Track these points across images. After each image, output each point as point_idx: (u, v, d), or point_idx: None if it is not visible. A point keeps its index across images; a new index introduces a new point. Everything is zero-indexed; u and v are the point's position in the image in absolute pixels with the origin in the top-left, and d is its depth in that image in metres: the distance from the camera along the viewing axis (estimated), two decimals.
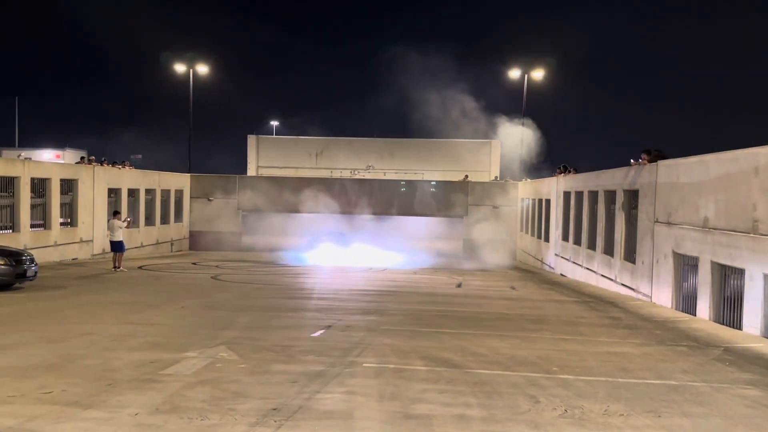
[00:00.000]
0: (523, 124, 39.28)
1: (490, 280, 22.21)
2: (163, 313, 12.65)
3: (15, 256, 15.40)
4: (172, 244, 33.34)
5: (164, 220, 32.71)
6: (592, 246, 21.43)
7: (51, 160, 39.52)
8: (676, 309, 14.53)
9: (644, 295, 16.37)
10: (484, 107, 42.61)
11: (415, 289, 18.70)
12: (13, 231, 21.32)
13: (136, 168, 31.66)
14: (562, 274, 24.73)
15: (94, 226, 26.07)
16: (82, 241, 25.35)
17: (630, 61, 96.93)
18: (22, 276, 15.35)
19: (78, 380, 7.42)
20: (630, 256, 17.84)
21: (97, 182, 26.32)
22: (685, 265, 14.36)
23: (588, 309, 14.95)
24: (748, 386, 7.96)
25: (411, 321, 12.29)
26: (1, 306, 12.87)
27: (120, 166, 29.11)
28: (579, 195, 23.23)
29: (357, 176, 41.13)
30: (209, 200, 35.28)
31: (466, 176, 38.92)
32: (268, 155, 46.50)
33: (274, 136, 53.52)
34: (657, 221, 15.81)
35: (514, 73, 39.47)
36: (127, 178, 28.97)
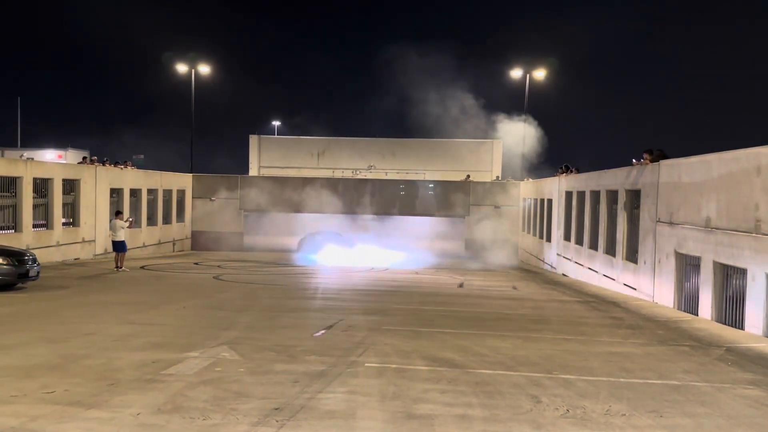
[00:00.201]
0: (525, 120, 39.27)
1: (491, 280, 22.21)
2: (164, 313, 12.66)
3: (17, 256, 15.43)
4: (174, 244, 33.37)
5: (166, 220, 32.74)
6: (594, 246, 21.41)
7: (53, 160, 39.58)
8: (678, 309, 14.51)
9: (646, 295, 16.36)
10: (485, 106, 42.65)
11: (417, 289, 18.70)
12: (15, 231, 21.36)
13: (138, 168, 31.69)
14: (564, 274, 24.71)
15: (96, 226, 26.10)
16: (84, 241, 25.38)
17: (631, 60, 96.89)
18: (24, 276, 15.37)
19: (80, 380, 7.43)
20: (632, 255, 17.82)
21: (99, 182, 26.35)
22: (687, 265, 14.34)
23: (590, 309, 14.94)
24: (750, 386, 7.95)
25: (413, 321, 12.29)
26: (3, 306, 12.89)
27: (122, 166, 29.14)
28: (581, 195, 23.21)
29: (359, 176, 41.15)
30: (211, 200, 35.30)
31: (468, 176, 38.91)
32: (270, 155, 46.55)
33: (275, 136, 53.58)
34: (659, 221, 15.79)
35: (516, 73, 39.47)
36: (129, 178, 29.00)
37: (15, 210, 21.51)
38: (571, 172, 25.98)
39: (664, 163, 15.97)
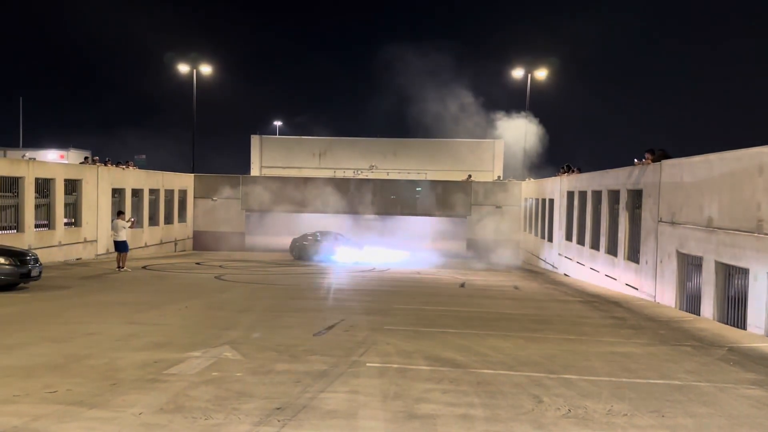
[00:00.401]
0: (526, 117, 39.27)
1: (493, 280, 22.20)
2: (166, 313, 12.67)
3: (19, 256, 15.45)
4: (175, 244, 33.40)
5: (168, 220, 32.78)
6: (595, 246, 21.40)
7: (55, 160, 39.64)
8: (680, 309, 14.50)
9: (648, 294, 16.35)
10: (487, 106, 42.65)
11: (419, 289, 18.70)
12: (17, 231, 21.39)
13: (139, 168, 31.73)
14: (565, 274, 24.70)
15: (98, 226, 26.13)
16: (86, 241, 25.41)
17: (633, 60, 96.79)
18: (26, 276, 15.39)
19: (82, 380, 7.44)
20: (634, 255, 17.81)
21: (101, 182, 26.38)
22: (689, 265, 14.33)
23: (592, 309, 14.93)
24: (753, 386, 7.94)
25: (414, 321, 12.29)
26: (5, 306, 12.91)
27: (124, 167, 29.17)
28: (582, 195, 23.20)
29: (360, 176, 41.17)
30: (213, 200, 35.34)
31: (469, 176, 38.92)
32: (272, 155, 46.60)
33: (277, 136, 53.63)
34: (661, 221, 15.78)
35: (518, 73, 39.47)
36: (131, 178, 29.02)
37: (17, 210, 21.54)
38: (573, 171, 25.97)
39: (665, 162, 15.96)
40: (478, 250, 33.56)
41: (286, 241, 33.08)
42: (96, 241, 26.09)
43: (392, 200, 35.33)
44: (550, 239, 27.95)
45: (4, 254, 15.12)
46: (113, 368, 8.01)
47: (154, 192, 31.19)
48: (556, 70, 41.08)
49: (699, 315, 13.42)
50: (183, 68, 39.48)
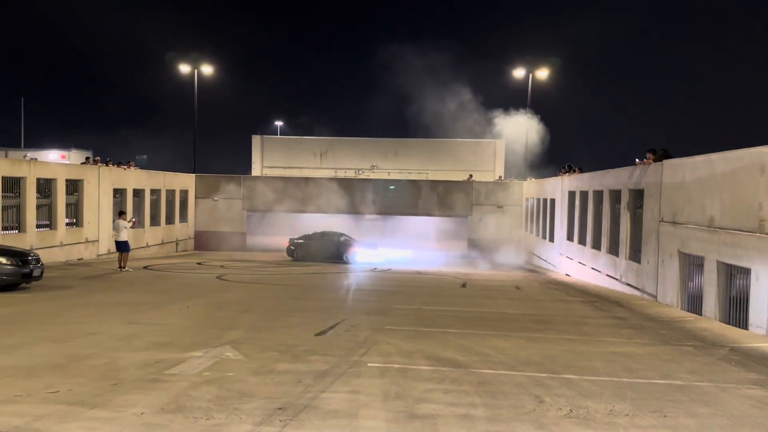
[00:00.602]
0: (528, 117, 39.27)
1: (494, 280, 22.19)
2: (168, 313, 12.68)
3: (21, 256, 15.47)
4: (177, 244, 33.42)
5: (169, 220, 32.80)
6: (597, 246, 21.39)
7: (56, 160, 39.69)
8: (681, 309, 14.49)
9: (649, 294, 16.34)
10: (488, 105, 42.66)
11: (420, 289, 18.70)
12: (19, 231, 21.41)
13: (141, 168, 31.75)
14: (566, 274, 24.69)
15: (100, 227, 26.15)
16: (87, 241, 25.43)
17: (634, 59, 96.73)
18: (28, 276, 15.41)
19: (84, 380, 7.45)
20: (635, 255, 17.79)
21: (102, 182, 26.40)
22: (691, 265, 14.32)
23: (593, 309, 14.92)
24: (754, 386, 7.93)
25: (415, 321, 12.29)
26: (7, 306, 12.92)
27: (125, 167, 29.19)
28: (584, 194, 23.19)
29: (361, 176, 41.17)
30: (214, 200, 35.36)
31: (470, 176, 38.92)
32: (273, 155, 46.59)
33: (278, 136, 53.64)
34: (662, 221, 15.77)
35: (519, 73, 39.48)
36: (132, 178, 29.04)
37: (19, 210, 21.56)
38: (574, 171, 25.95)
39: (667, 162, 15.94)
40: (480, 250, 33.56)
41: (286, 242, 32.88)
42: (97, 241, 26.11)
43: (394, 200, 35.31)
44: (552, 239, 27.94)
45: (5, 254, 15.14)
46: (114, 368, 8.02)
47: (155, 192, 31.20)
48: (557, 70, 41.09)
49: (700, 315, 13.40)
50: (184, 68, 39.52)
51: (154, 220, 31.22)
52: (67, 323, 11.14)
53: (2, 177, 20.68)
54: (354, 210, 35.05)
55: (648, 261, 16.62)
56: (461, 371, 8.24)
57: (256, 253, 32.39)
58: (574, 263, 24.11)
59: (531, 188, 34.00)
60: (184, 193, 34.48)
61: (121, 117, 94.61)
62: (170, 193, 32.83)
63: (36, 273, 15.65)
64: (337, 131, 51.09)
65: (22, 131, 53.30)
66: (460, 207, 35.33)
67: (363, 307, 13.90)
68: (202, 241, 35.17)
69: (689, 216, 14.29)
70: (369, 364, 8.48)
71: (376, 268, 25.68)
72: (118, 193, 27.90)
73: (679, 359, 9.38)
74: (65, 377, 7.54)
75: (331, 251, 29.32)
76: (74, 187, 24.84)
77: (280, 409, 6.52)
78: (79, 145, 48.04)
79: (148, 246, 29.86)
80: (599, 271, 20.87)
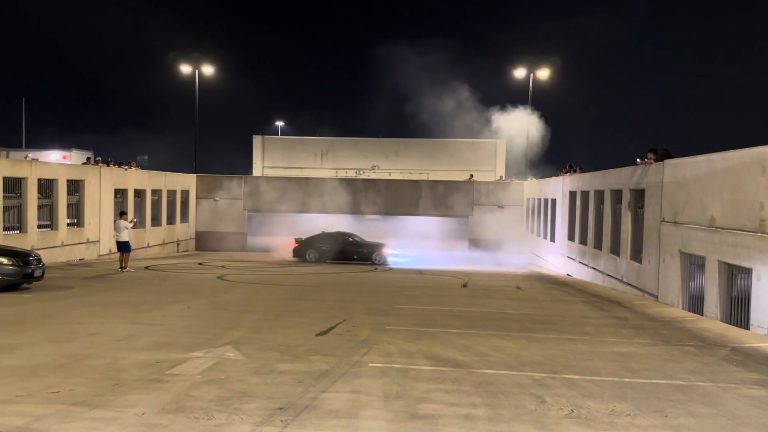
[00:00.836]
0: (529, 117, 39.29)
1: (495, 280, 22.18)
2: (169, 313, 12.68)
3: (22, 257, 15.48)
4: (178, 245, 33.43)
5: (170, 220, 32.81)
6: (598, 245, 21.38)
7: (58, 161, 39.74)
8: (682, 309, 14.48)
9: (651, 294, 16.33)
10: (489, 106, 42.67)
11: (420, 289, 18.69)
12: (20, 232, 21.43)
13: (142, 169, 31.77)
14: (567, 274, 24.68)
15: (101, 227, 26.17)
16: (88, 242, 25.45)
17: (635, 59, 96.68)
18: (29, 276, 15.42)
19: (85, 380, 7.45)
20: (636, 255, 17.78)
21: (103, 183, 26.41)
22: (692, 265, 14.31)
23: (594, 309, 14.91)
24: (756, 386, 7.93)
25: (416, 321, 12.29)
26: (8, 306, 12.94)
27: (126, 167, 29.21)
28: (585, 194, 23.18)
29: (362, 176, 41.19)
30: (215, 200, 35.38)
31: (471, 176, 38.92)
32: (274, 155, 46.60)
33: (279, 136, 53.65)
34: (663, 221, 15.76)
35: (520, 73, 39.49)
36: (133, 178, 29.06)
37: (20, 210, 21.58)
38: (575, 171, 25.94)
39: (668, 162, 15.93)
40: (481, 250, 33.56)
41: (286, 242, 32.79)
42: (98, 241, 26.12)
43: (395, 200, 35.31)
44: (553, 239, 27.93)
45: (7, 255, 15.15)
46: (115, 368, 8.02)
47: (156, 192, 31.22)
48: (558, 70, 41.12)
49: (702, 315, 13.39)
50: (185, 69, 39.56)
51: (155, 221, 31.24)
52: (68, 323, 11.15)
53: (3, 177, 20.70)
54: (355, 210, 35.05)
55: (649, 261, 16.61)
56: (462, 371, 8.24)
57: (257, 254, 32.21)
58: (575, 263, 24.10)
59: (532, 188, 33.98)
60: (185, 194, 34.50)
61: (122, 117, 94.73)
62: (171, 194, 32.85)
63: (37, 273, 15.66)
64: (338, 131, 51.13)
65: (24, 132, 53.37)
66: (461, 207, 35.33)
67: (364, 307, 13.90)
68: (203, 242, 35.19)
69: (690, 216, 14.28)
70: (370, 364, 8.48)
71: (376, 268, 25.67)
72: (119, 194, 27.92)
73: (680, 359, 9.37)
74: (66, 377, 7.54)
75: (362, 253, 28.64)
76: (75, 187, 24.86)
77: (281, 409, 6.53)
78: (80, 146, 48.15)
79: (149, 246, 29.88)
80: (600, 271, 20.86)
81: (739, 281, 12.25)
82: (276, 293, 16.99)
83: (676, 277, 14.89)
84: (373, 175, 41.66)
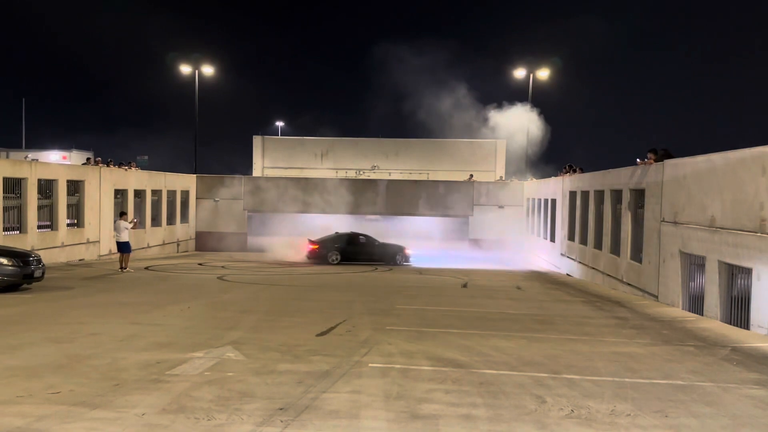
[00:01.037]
0: (528, 117, 39.28)
1: (495, 280, 22.18)
2: (169, 313, 12.68)
3: (22, 257, 15.48)
4: (178, 245, 33.42)
5: (170, 220, 32.81)
6: (598, 246, 21.38)
7: (58, 161, 39.75)
8: (683, 309, 14.48)
9: (651, 294, 16.32)
10: (489, 106, 42.68)
11: (421, 289, 18.69)
12: (20, 232, 21.43)
13: (142, 169, 31.77)
14: (568, 274, 24.67)
15: (101, 227, 26.17)
16: (88, 242, 25.45)
17: (635, 59, 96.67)
18: (29, 277, 15.42)
19: (85, 380, 7.45)
20: (636, 255, 17.78)
21: (103, 183, 26.41)
22: (692, 265, 14.31)
23: (594, 309, 14.91)
24: (756, 386, 7.93)
25: (417, 321, 12.28)
26: (9, 306, 12.93)
27: (126, 167, 29.21)
28: (585, 194, 23.18)
29: (362, 176, 41.19)
30: (215, 201, 35.37)
31: (471, 176, 38.92)
32: (274, 156, 46.60)
33: (279, 136, 53.65)
34: (663, 221, 15.76)
35: (520, 73, 39.52)
36: (133, 179, 29.06)
37: (20, 211, 21.58)
38: (575, 171, 25.95)
39: (668, 162, 15.93)
40: (481, 250, 33.56)
41: (287, 242, 32.57)
42: (98, 241, 26.12)
43: (395, 200, 35.30)
44: (553, 239, 27.92)
45: (7, 255, 15.15)
46: (116, 369, 8.02)
47: (156, 193, 31.21)
48: (558, 70, 41.14)
49: (702, 315, 13.39)
50: (185, 69, 39.56)
51: (155, 221, 31.23)
52: (68, 324, 11.15)
53: (3, 178, 20.71)
54: (355, 210, 35.05)
55: (649, 261, 16.61)
56: (463, 371, 8.24)
57: (257, 254, 32.05)
58: (575, 263, 24.09)
59: (532, 188, 33.98)
60: (185, 194, 34.49)
61: (122, 118, 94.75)
62: (171, 194, 32.84)
63: (37, 274, 15.66)
64: (338, 131, 51.13)
65: (23, 132, 53.37)
66: (461, 207, 35.33)
67: (364, 308, 13.90)
68: (203, 242, 35.18)
69: (690, 216, 14.28)
70: (370, 365, 8.48)
71: (376, 268, 25.66)
72: (119, 194, 27.92)
73: (680, 359, 9.37)
74: (67, 378, 7.54)
75: (385, 254, 28.42)
76: (75, 187, 24.86)
77: (281, 409, 6.53)
78: (80, 146, 48.18)
79: (149, 247, 29.87)
80: (600, 271, 20.86)
81: (739, 281, 12.25)
82: (276, 293, 16.98)
83: (676, 277, 14.89)
84: (373, 176, 41.65)
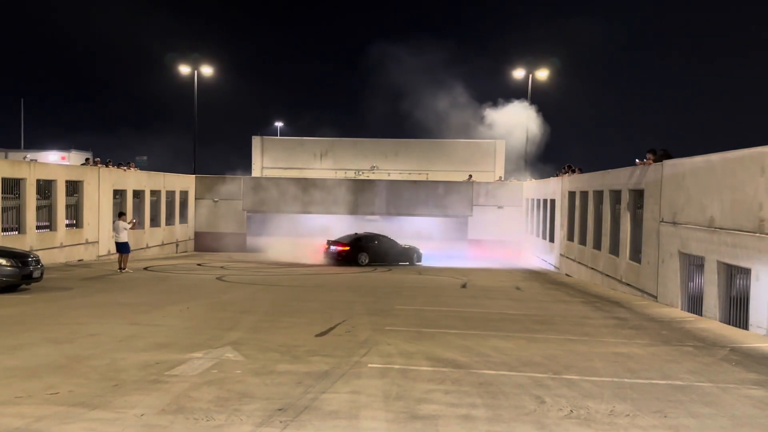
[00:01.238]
0: (527, 117, 39.30)
1: (495, 281, 22.18)
2: (168, 314, 12.68)
3: (21, 258, 15.46)
4: (177, 245, 33.41)
5: (169, 221, 32.79)
6: (597, 246, 21.38)
7: (56, 161, 39.72)
8: (682, 309, 14.48)
9: (650, 295, 16.33)
10: (488, 106, 42.70)
11: (420, 290, 18.70)
12: (19, 232, 21.41)
13: (141, 169, 31.75)
14: (567, 274, 24.68)
15: (100, 228, 26.15)
16: (87, 243, 25.43)
17: (634, 59, 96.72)
18: (28, 277, 15.41)
19: (84, 381, 7.45)
20: (635, 256, 17.79)
21: (102, 184, 26.40)
22: (691, 265, 14.32)
23: (593, 309, 14.92)
24: (755, 386, 7.93)
25: (416, 321, 12.29)
26: (7, 307, 12.92)
27: (125, 168, 29.19)
28: (584, 195, 23.19)
29: (361, 177, 41.18)
30: (214, 201, 35.35)
31: (470, 176, 38.92)
32: (273, 156, 46.59)
33: (278, 137, 53.63)
34: (662, 221, 15.77)
35: (519, 73, 39.54)
36: (132, 179, 29.04)
37: (19, 211, 21.56)
38: (574, 172, 25.96)
39: (667, 162, 15.94)
40: (480, 251, 33.56)
41: (286, 242, 32.54)
42: (97, 242, 26.11)
43: (395, 201, 35.29)
44: (552, 239, 27.93)
45: (5, 256, 15.14)
46: (115, 369, 8.02)
47: (155, 193, 31.20)
48: (557, 70, 41.17)
49: (701, 315, 13.40)
50: (184, 70, 39.54)
51: (154, 221, 31.21)
52: (67, 324, 11.14)
53: (2, 178, 20.69)
54: (355, 210, 35.05)
55: (648, 261, 16.62)
56: (462, 372, 8.24)
57: (260, 254, 32.01)
58: (574, 263, 24.10)
59: (531, 188, 33.99)
60: (184, 194, 34.48)
61: (121, 118, 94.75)
62: (170, 194, 32.83)
63: (36, 274, 15.64)
64: (337, 132, 51.15)
65: (22, 132, 53.33)
66: (460, 207, 35.34)
67: (363, 308, 13.90)
68: (202, 242, 35.16)
69: (689, 216, 14.29)
70: (370, 365, 8.48)
71: (375, 269, 25.66)
72: (118, 194, 27.90)
73: (679, 359, 9.38)
74: (66, 378, 7.54)
75: (405, 254, 28.57)
76: (74, 188, 24.84)
77: (280, 410, 6.52)
78: (79, 146, 48.13)
79: (148, 247, 29.86)
80: (599, 272, 20.86)
81: (738, 281, 12.26)
82: (275, 294, 16.98)
83: (675, 278, 14.89)
84: (372, 176, 41.65)
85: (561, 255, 26.15)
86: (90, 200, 25.51)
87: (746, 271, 11.76)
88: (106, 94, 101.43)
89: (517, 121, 40.31)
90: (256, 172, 45.59)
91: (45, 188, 23.17)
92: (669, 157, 16.29)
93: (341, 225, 33.88)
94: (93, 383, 7.35)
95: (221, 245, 34.61)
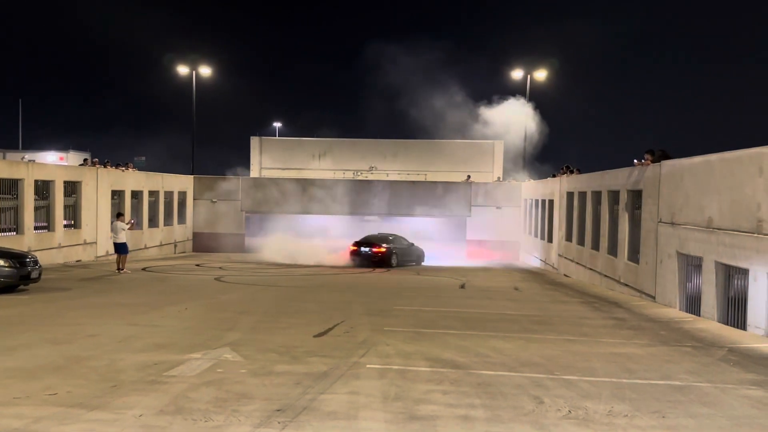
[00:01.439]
0: (526, 117, 39.33)
1: (493, 281, 22.19)
2: (167, 314, 12.67)
3: (18, 258, 15.45)
4: (175, 246, 33.38)
5: (168, 221, 32.76)
6: (595, 246, 21.40)
7: (55, 162, 39.66)
8: (680, 309, 14.50)
9: (648, 295, 16.35)
10: (487, 106, 42.72)
11: (419, 290, 18.70)
12: (17, 233, 21.38)
13: (139, 170, 31.72)
14: (565, 275, 24.69)
15: (98, 228, 26.12)
16: (85, 243, 25.40)
17: (633, 60, 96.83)
18: (26, 278, 15.39)
19: (83, 381, 7.44)
20: (634, 256, 17.80)
21: (100, 184, 26.38)
22: (689, 266, 14.33)
23: (592, 310, 14.93)
24: (753, 387, 7.94)
25: (415, 322, 12.29)
26: (6, 308, 12.91)
27: (123, 168, 29.17)
28: (582, 195, 23.21)
29: (360, 177, 41.18)
30: (212, 202, 35.33)
31: (469, 176, 38.94)
32: (271, 156, 46.58)
33: (276, 137, 53.62)
34: (661, 221, 15.78)
35: (517, 74, 39.56)
36: (130, 180, 29.02)
37: (17, 212, 21.54)
38: (573, 172, 25.98)
39: (665, 163, 15.96)
40: (479, 251, 33.57)
41: (287, 243, 32.34)
42: (95, 242, 26.08)
43: (393, 201, 35.28)
44: (550, 240, 27.95)
45: (3, 256, 15.12)
46: (114, 370, 8.01)
47: (153, 194, 31.17)
48: (555, 71, 41.21)
49: (699, 315, 13.41)
50: (183, 70, 39.51)
51: (153, 222, 31.19)
52: (66, 325, 11.13)
53: (0, 179, 20.66)
54: (353, 211, 35.03)
55: (646, 262, 16.63)
56: (461, 372, 8.24)
57: (259, 254, 31.88)
58: (572, 264, 24.12)
59: (529, 189, 34.01)
60: (183, 195, 34.45)
61: (119, 118, 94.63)
62: (168, 195, 32.80)
63: (34, 275, 15.62)
64: (336, 132, 51.14)
65: (20, 133, 53.26)
66: (459, 207, 35.34)
67: (362, 309, 13.90)
68: (201, 243, 35.13)
69: (687, 217, 14.30)
70: (368, 366, 8.48)
71: (374, 269, 25.66)
72: (117, 195, 27.88)
73: (678, 360, 9.39)
74: (65, 379, 7.53)
75: (418, 255, 28.98)
76: (72, 188, 24.82)
77: (279, 410, 6.52)
78: (77, 147, 48.08)
79: (146, 248, 29.84)
80: (598, 272, 20.88)
81: (736, 282, 12.27)
82: (274, 294, 16.98)
83: (673, 278, 14.91)
84: (371, 176, 41.65)
85: (559, 255, 26.17)
86: (88, 201, 25.49)
87: (744, 272, 11.77)
88: (105, 94, 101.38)
89: (515, 121, 40.34)
90: (254, 172, 45.58)
91: (43, 189, 23.14)
92: (667, 157, 16.30)
93: (340, 225, 33.89)
94: (92, 384, 7.35)
95: (220, 246, 34.58)
